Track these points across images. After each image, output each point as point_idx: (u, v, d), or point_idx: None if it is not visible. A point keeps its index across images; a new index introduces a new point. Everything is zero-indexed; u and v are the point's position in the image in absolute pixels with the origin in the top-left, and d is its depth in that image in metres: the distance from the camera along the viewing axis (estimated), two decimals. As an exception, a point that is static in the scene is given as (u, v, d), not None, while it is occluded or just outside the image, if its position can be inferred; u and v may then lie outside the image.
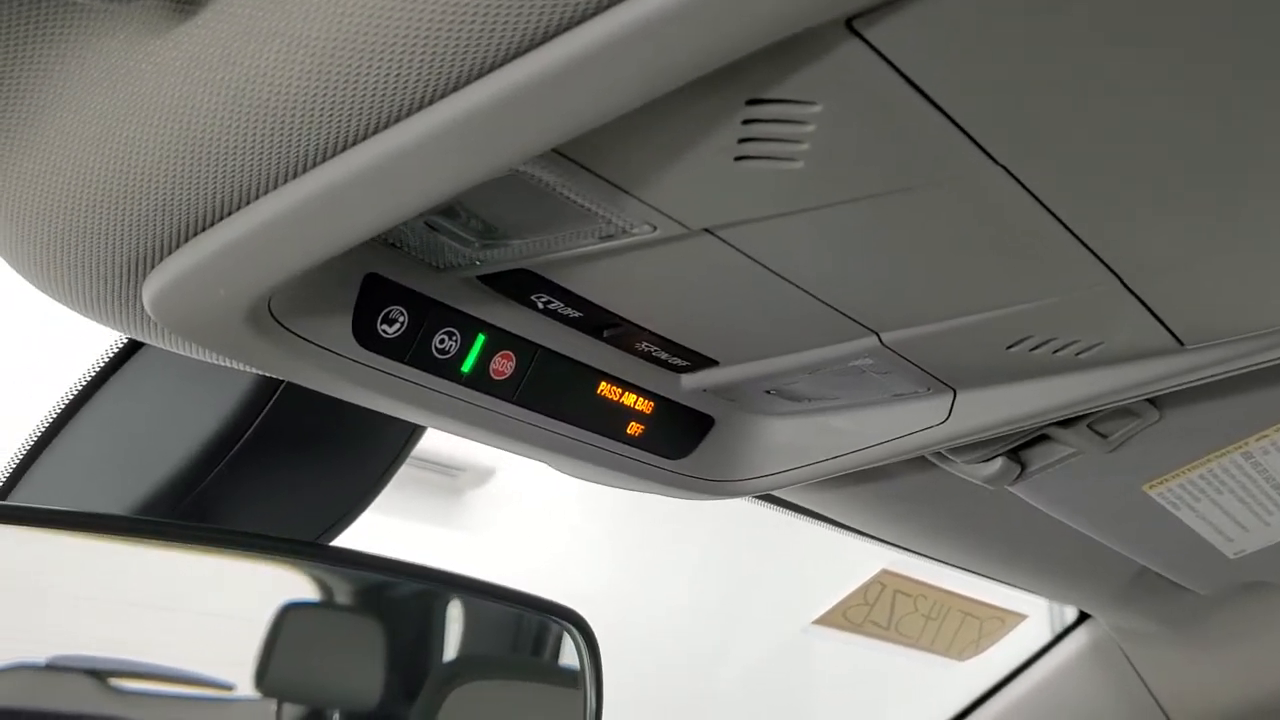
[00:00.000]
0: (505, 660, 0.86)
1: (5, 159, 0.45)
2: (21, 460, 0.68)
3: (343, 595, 0.76)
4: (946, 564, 1.17)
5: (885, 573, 1.23)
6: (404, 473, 0.78)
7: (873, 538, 1.12)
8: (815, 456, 0.71)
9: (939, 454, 0.82)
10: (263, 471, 0.67)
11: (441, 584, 0.73)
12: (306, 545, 0.69)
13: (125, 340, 0.68)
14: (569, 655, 0.78)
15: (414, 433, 0.71)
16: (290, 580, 0.75)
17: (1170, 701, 1.30)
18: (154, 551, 0.68)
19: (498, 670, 0.86)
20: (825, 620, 1.24)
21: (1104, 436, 0.80)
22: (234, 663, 0.72)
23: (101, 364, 0.68)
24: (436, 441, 0.80)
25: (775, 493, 0.98)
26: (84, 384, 0.68)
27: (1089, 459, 0.83)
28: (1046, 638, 1.57)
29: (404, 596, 0.79)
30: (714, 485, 0.72)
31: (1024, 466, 0.83)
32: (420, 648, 0.81)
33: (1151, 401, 0.78)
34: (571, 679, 0.82)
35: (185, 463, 0.64)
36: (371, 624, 0.79)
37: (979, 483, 0.83)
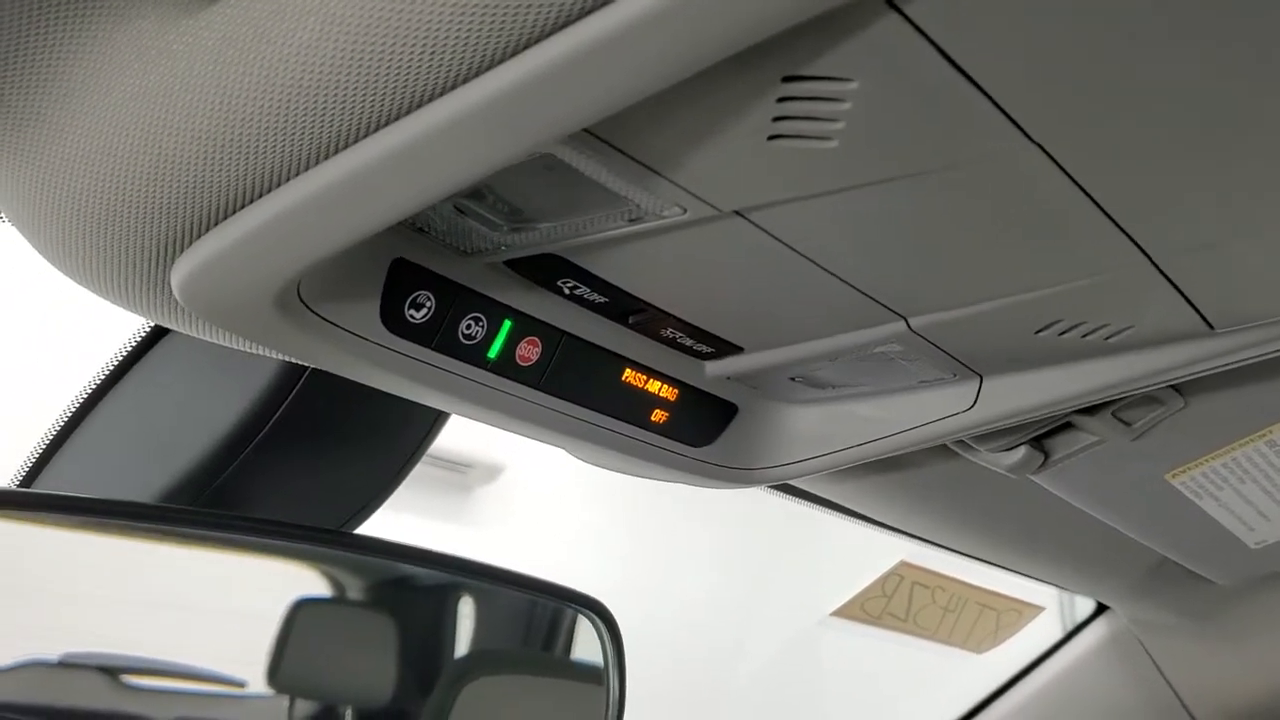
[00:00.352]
0: (520, 655, 0.86)
1: (36, 144, 0.45)
2: (45, 449, 0.68)
3: (358, 588, 0.76)
4: (965, 555, 1.17)
5: (904, 564, 1.23)
6: (414, 469, 0.77)
7: (891, 529, 1.12)
8: (839, 444, 0.71)
9: (962, 442, 0.81)
10: (285, 461, 0.66)
11: (463, 572, 0.73)
12: (328, 533, 0.69)
13: (148, 329, 0.68)
14: (588, 644, 0.78)
15: (436, 422, 0.71)
16: (303, 576, 0.75)
17: (1189, 694, 1.30)
18: (168, 548, 0.68)
19: (512, 665, 0.86)
20: (843, 612, 1.24)
21: (1128, 425, 0.79)
22: (246, 660, 0.72)
23: (125, 353, 0.68)
24: (446, 437, 0.80)
25: (795, 483, 0.98)
26: (107, 373, 0.68)
27: (1112, 447, 0.82)
28: (1058, 634, 1.57)
29: (420, 589, 0.79)
30: (737, 473, 0.72)
31: (1047, 455, 0.82)
32: (435, 642, 0.81)
33: (1176, 389, 0.77)
34: (587, 673, 0.82)
35: (207, 452, 0.64)
36: (385, 619, 0.79)
37: (1002, 471, 0.82)
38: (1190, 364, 0.60)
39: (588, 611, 0.77)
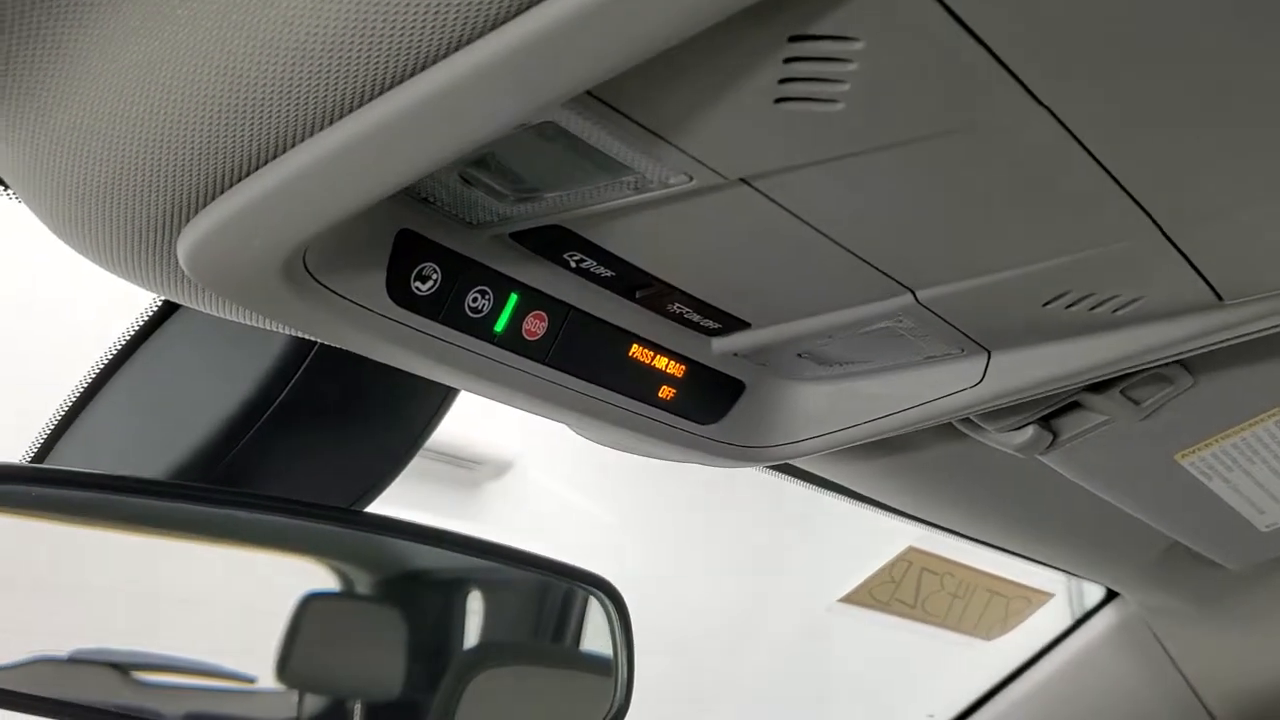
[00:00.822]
0: (529, 646, 0.86)
1: (42, 113, 0.45)
2: (56, 426, 0.68)
3: (367, 575, 0.76)
4: (973, 539, 1.17)
5: (912, 549, 1.22)
6: (421, 466, 0.77)
7: (898, 512, 1.12)
8: (847, 421, 0.71)
9: (970, 423, 0.81)
10: (294, 439, 0.66)
11: (473, 551, 0.73)
12: (339, 511, 0.69)
13: (157, 307, 0.68)
14: (597, 634, 0.78)
15: (445, 400, 0.71)
16: (311, 569, 0.75)
17: (1200, 679, 1.29)
18: (177, 541, 0.69)
19: (521, 657, 0.86)
20: (852, 598, 1.24)
21: (1136, 403, 0.79)
22: (255, 655, 0.73)
23: (133, 331, 0.68)
24: (454, 433, 0.80)
25: (802, 465, 0.97)
26: (116, 351, 0.68)
27: (1120, 427, 0.82)
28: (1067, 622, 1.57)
29: (429, 582, 0.79)
30: (745, 451, 0.72)
31: (1056, 435, 0.82)
32: (444, 634, 0.81)
33: (1185, 367, 0.77)
34: (597, 665, 0.82)
35: (216, 429, 0.64)
36: (394, 612, 0.79)
37: (1010, 451, 0.82)
38: (1199, 336, 0.60)
39: (597, 591, 0.77)
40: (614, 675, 0.77)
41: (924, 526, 1.18)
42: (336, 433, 0.69)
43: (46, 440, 0.68)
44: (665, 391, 0.66)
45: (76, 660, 0.65)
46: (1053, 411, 0.80)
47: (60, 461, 0.68)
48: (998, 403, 0.67)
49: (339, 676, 0.77)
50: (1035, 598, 1.39)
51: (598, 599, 0.78)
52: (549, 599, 0.81)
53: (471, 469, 2.74)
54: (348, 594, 0.78)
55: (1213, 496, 0.97)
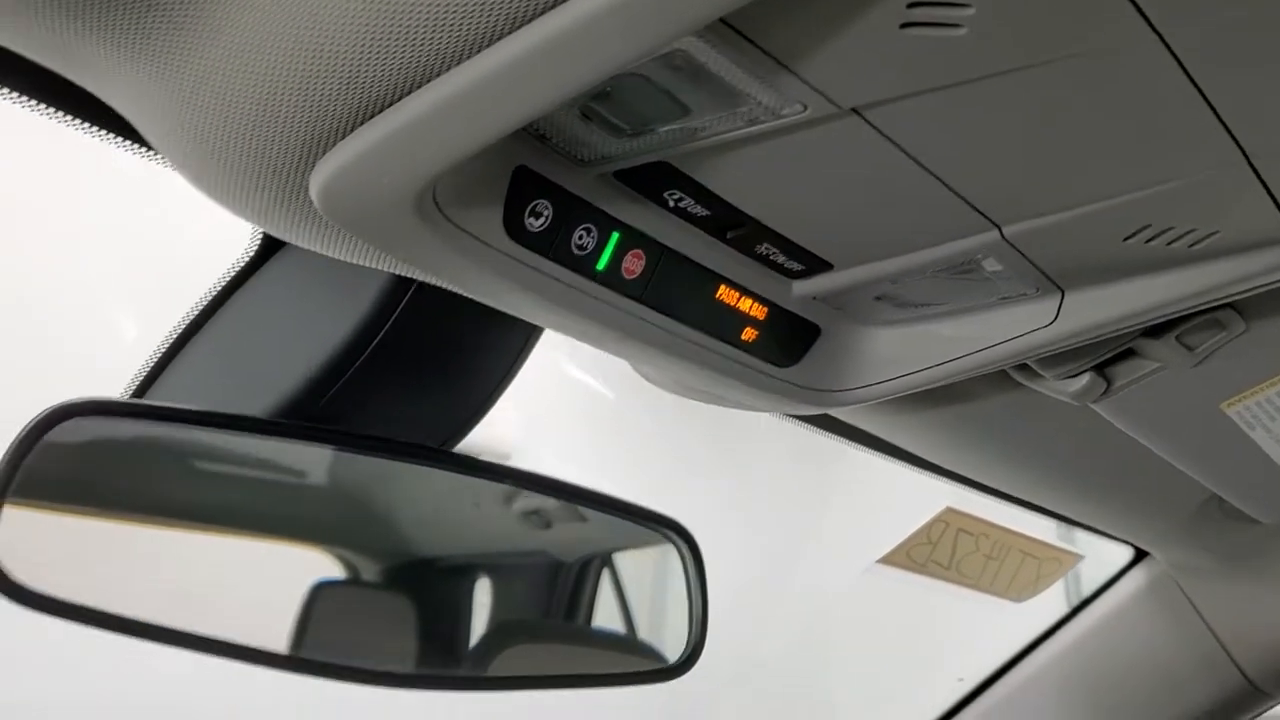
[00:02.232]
0: (559, 625, 0.86)
1: (188, 52, 0.46)
2: (156, 364, 0.70)
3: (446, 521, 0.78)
4: (1009, 498, 1.19)
5: (949, 510, 1.25)
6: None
7: (937, 469, 1.14)
8: (920, 364, 0.73)
9: (1028, 371, 0.83)
10: (389, 379, 0.69)
11: (548, 490, 0.75)
12: (429, 450, 0.72)
13: (258, 247, 0.70)
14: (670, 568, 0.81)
15: (526, 344, 0.73)
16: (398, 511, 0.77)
17: (1230, 637, 1.32)
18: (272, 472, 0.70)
19: (552, 633, 0.86)
20: (890, 560, 1.26)
21: (1190, 350, 0.81)
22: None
23: (234, 271, 0.70)
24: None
25: (847, 419, 0.99)
26: (217, 291, 0.70)
27: (1170, 376, 0.84)
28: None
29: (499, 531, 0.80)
30: (820, 396, 0.74)
31: (1109, 383, 0.85)
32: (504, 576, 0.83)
33: (1238, 311, 0.79)
34: (622, 644, 0.84)
35: (315, 370, 0.67)
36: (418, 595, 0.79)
37: (1064, 399, 0.85)
38: (1270, 271, 0.62)
39: (669, 531, 0.79)
40: (689, 613, 0.79)
41: (960, 485, 1.20)
42: (428, 376, 0.71)
43: (147, 377, 0.70)
44: (748, 333, 0.69)
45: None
46: (1108, 358, 0.82)
47: (160, 399, 0.70)
48: (1068, 343, 0.69)
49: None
50: (1066, 560, 1.42)
51: (671, 541, 0.80)
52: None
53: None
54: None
55: (1253, 448, 0.99)
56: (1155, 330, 0.79)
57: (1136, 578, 1.42)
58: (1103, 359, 0.82)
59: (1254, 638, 1.31)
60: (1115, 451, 1.07)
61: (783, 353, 0.72)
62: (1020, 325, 0.70)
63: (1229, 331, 0.80)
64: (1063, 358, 0.80)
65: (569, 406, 2.45)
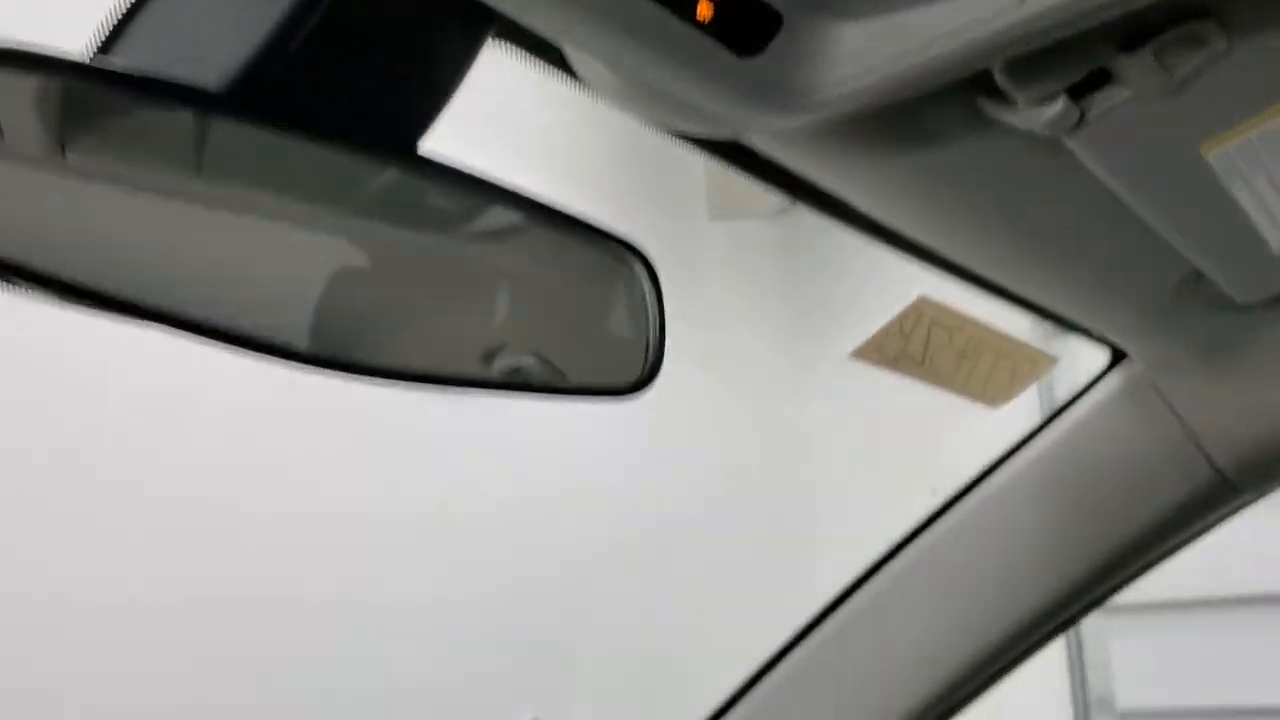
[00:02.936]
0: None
1: None
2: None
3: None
4: (977, 280, 1.15)
5: (923, 300, 1.23)
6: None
7: (902, 244, 1.09)
8: (892, 58, 0.70)
9: (999, 98, 0.80)
10: (340, 60, 0.66)
11: (498, 198, 0.73)
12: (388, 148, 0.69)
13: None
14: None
15: (481, 29, 0.70)
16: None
17: (1207, 434, 1.31)
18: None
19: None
20: (862, 353, 1.24)
21: (1168, 71, 0.79)
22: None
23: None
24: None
25: (810, 175, 0.94)
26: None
27: (1148, 109, 0.82)
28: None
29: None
30: (786, 98, 0.71)
31: (1084, 114, 0.82)
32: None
33: (1221, 27, 0.76)
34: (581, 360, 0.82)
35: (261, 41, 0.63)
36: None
37: (1039, 129, 0.82)
38: None
39: (624, 252, 0.77)
40: (645, 340, 0.78)
41: (923, 263, 1.16)
42: (381, 60, 0.68)
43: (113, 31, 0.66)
44: (703, 9, 0.65)
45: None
46: (1082, 81, 0.79)
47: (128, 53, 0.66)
48: (1043, 23, 0.66)
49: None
50: (1041, 361, 1.41)
51: (627, 263, 0.78)
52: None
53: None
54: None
55: (1234, 209, 0.97)
56: (1131, 44, 0.76)
57: (1112, 381, 1.42)
58: (1078, 79, 0.79)
59: (1229, 433, 1.31)
60: (1088, 222, 1.05)
61: (743, 39, 0.68)
62: (991, 4, 0.67)
63: (1211, 48, 0.77)
64: (1034, 74, 0.77)
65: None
